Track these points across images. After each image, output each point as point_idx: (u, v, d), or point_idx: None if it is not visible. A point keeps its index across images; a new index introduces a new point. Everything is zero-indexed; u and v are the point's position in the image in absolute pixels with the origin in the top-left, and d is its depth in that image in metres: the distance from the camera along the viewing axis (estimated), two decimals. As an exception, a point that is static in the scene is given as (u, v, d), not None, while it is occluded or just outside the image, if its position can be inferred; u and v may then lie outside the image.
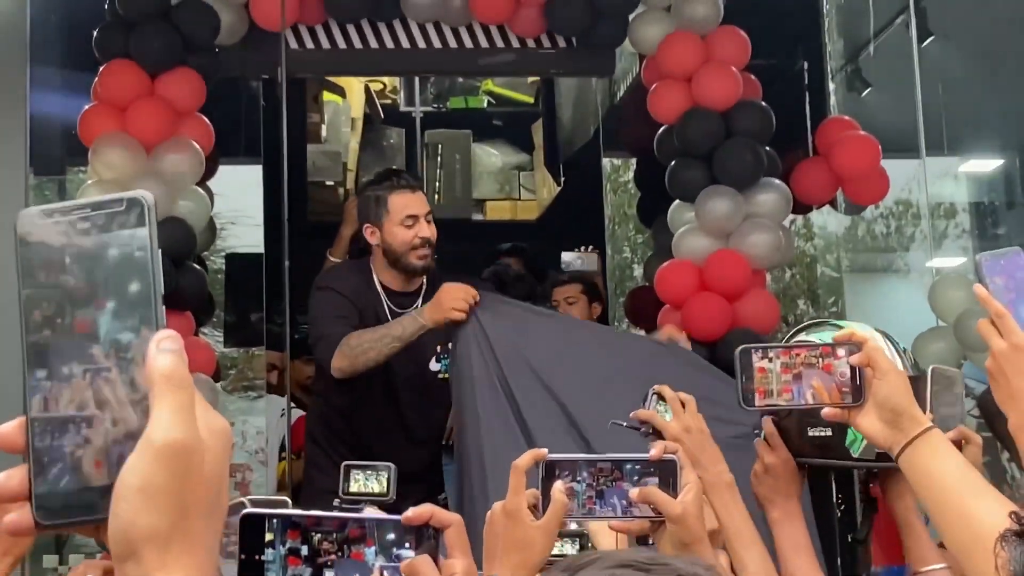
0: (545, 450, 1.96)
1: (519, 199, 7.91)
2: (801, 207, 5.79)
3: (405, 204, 4.38)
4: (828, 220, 8.24)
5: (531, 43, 5.61)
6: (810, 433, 2.35)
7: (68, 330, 0.91)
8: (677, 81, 5.44)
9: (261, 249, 6.94)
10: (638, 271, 8.34)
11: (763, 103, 5.48)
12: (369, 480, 2.87)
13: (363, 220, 4.48)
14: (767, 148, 5.44)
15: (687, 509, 1.92)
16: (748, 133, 5.39)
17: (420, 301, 4.41)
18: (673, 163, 5.48)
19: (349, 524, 1.23)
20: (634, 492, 1.90)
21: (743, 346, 2.07)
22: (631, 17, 5.56)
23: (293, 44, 5.47)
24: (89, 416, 0.89)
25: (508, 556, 1.85)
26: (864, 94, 7.33)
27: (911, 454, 1.85)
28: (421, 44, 5.55)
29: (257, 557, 1.24)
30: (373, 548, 1.23)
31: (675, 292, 5.38)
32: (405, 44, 5.55)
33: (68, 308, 0.92)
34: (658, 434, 2.40)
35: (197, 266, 5.39)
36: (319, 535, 1.23)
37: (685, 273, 5.38)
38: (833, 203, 6.22)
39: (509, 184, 7.93)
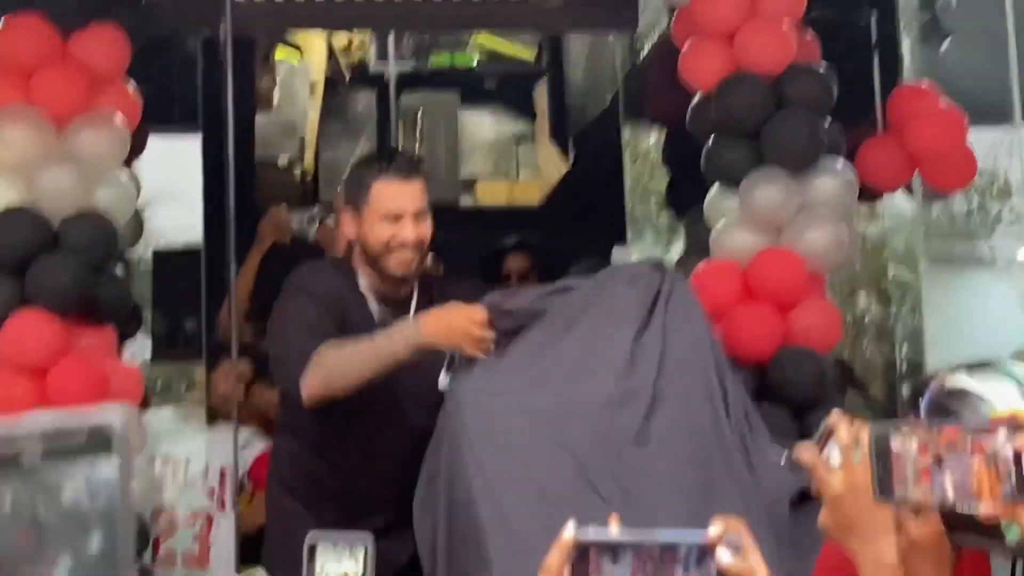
0: (572, 526, 1.89)
1: (518, 179, 7.90)
2: (869, 193, 5.76)
3: (390, 196, 4.27)
4: (896, 199, 8.22)
5: (537, -8, 5.59)
6: (957, 508, 2.22)
7: None
8: (716, 39, 5.42)
9: (198, 240, 6.92)
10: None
11: (822, 67, 5.47)
12: (341, 558, 2.83)
13: (345, 203, 4.40)
14: (827, 121, 5.41)
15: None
16: (803, 104, 5.35)
17: (411, 311, 4.32)
18: (711, 140, 5.46)
19: None
20: (727, 556, 1.85)
21: (879, 429, 2.05)
22: (658, -40, 5.54)
23: (237, -7, 5.43)
24: None
25: None
26: (943, 48, 7.31)
27: None
28: (398, -8, 5.52)
29: None
30: None
31: (714, 300, 5.26)
32: (378, -9, 5.52)
33: (8, 566, 0.87)
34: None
35: (119, 271, 5.34)
36: None
37: (726, 276, 5.35)
38: (908, 187, 6.23)
39: (505, 160, 7.93)
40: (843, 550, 2.38)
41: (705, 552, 1.88)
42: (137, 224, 5.73)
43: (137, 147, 5.44)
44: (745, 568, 1.85)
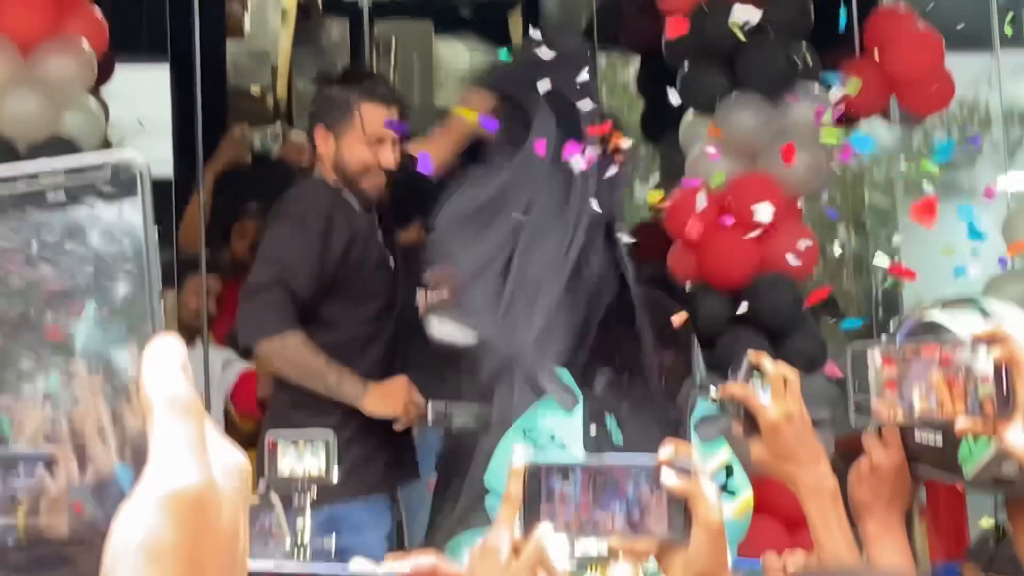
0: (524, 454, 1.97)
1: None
2: (846, 118, 5.69)
3: (376, 120, 4.38)
4: (875, 127, 8.19)
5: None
6: (917, 439, 2.32)
7: (32, 339, 0.84)
8: (691, -37, 5.38)
9: (169, 172, 6.84)
10: (641, 193, 8.25)
11: (798, -11, 5.42)
12: (303, 455, 2.79)
13: (316, 119, 4.49)
14: (804, 45, 5.40)
15: (723, 526, 1.91)
16: (780, 26, 5.32)
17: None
18: (686, 64, 5.45)
19: None
20: (671, 477, 1.89)
21: (857, 345, 2.07)
22: None
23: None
24: (49, 453, 0.84)
25: None
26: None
27: None
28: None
29: None
30: None
31: (689, 226, 5.30)
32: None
33: (33, 310, 0.84)
34: (748, 417, 2.40)
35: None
36: None
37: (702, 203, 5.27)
38: (885, 112, 6.20)
39: (480, 89, 7.84)
40: (780, 480, 2.43)
41: (655, 473, 1.95)
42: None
43: (104, 74, 5.42)
44: (692, 489, 1.89)
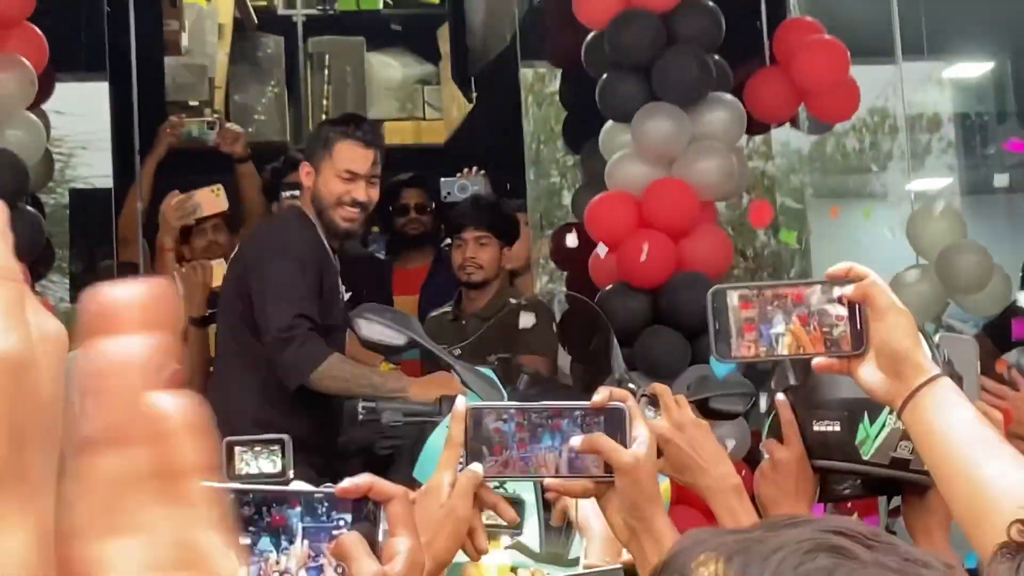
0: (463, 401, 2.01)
1: (424, 119, 7.91)
2: (757, 126, 5.84)
3: (351, 157, 4.63)
4: (791, 136, 8.29)
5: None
6: (815, 428, 2.33)
7: None
8: (608, -22, 5.41)
9: (110, 183, 6.86)
10: (568, 198, 8.32)
11: (710, 2, 5.47)
12: (260, 459, 2.84)
13: (305, 156, 4.77)
14: (716, 57, 5.45)
15: (640, 461, 1.93)
16: (693, 39, 5.38)
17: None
18: (605, 76, 5.47)
19: (273, 508, 1.23)
20: (577, 440, 1.91)
21: (716, 287, 2.04)
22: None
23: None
24: None
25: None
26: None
27: (914, 407, 1.83)
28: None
29: None
30: (299, 535, 1.23)
31: (609, 230, 5.40)
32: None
33: None
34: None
35: (31, 208, 5.29)
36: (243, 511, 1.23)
37: (621, 207, 5.38)
38: (794, 121, 6.29)
39: (411, 101, 7.92)
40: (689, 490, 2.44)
41: (588, 414, 1.96)
42: (48, 164, 5.69)
43: (45, 90, 5.38)
44: (598, 441, 1.93)
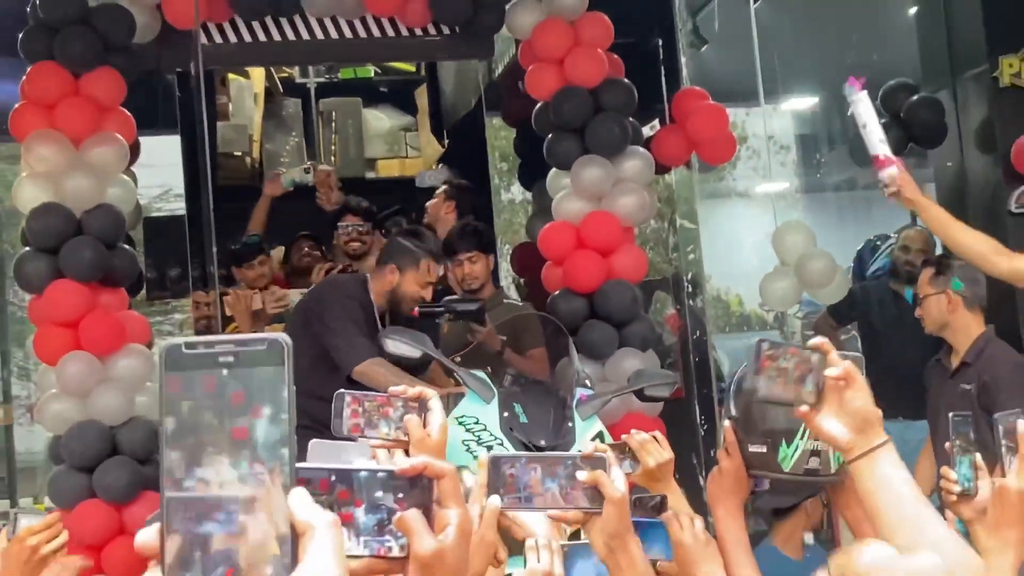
0: (488, 453, 1.99)
1: (407, 157, 7.91)
2: (660, 168, 5.87)
3: (431, 271, 4.80)
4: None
5: (419, 32, 5.59)
6: (750, 449, 2.40)
7: (222, 438, 0.89)
8: (550, 63, 5.47)
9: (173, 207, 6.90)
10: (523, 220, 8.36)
11: (626, 80, 5.53)
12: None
13: (389, 259, 4.82)
14: (631, 120, 5.51)
15: (625, 495, 1.91)
16: (615, 107, 5.44)
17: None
18: (550, 136, 5.52)
19: (337, 486, 1.11)
20: (583, 474, 1.87)
21: (760, 341, 1.86)
22: (508, 6, 5.57)
23: (202, 40, 5.36)
24: (234, 522, 0.87)
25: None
26: (703, 49, 7.48)
27: (872, 460, 1.81)
28: (320, 36, 5.50)
29: None
30: (362, 508, 1.12)
31: (556, 250, 5.47)
32: (305, 36, 5.50)
33: (222, 418, 0.89)
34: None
35: (127, 247, 5.32)
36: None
37: (564, 233, 5.44)
38: (688, 164, 6.36)
39: (397, 144, 7.92)
40: None
41: (577, 461, 1.91)
42: (137, 211, 5.71)
43: (134, 155, 5.38)
44: (599, 477, 1.86)
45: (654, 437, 2.66)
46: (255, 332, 5.57)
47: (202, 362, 0.90)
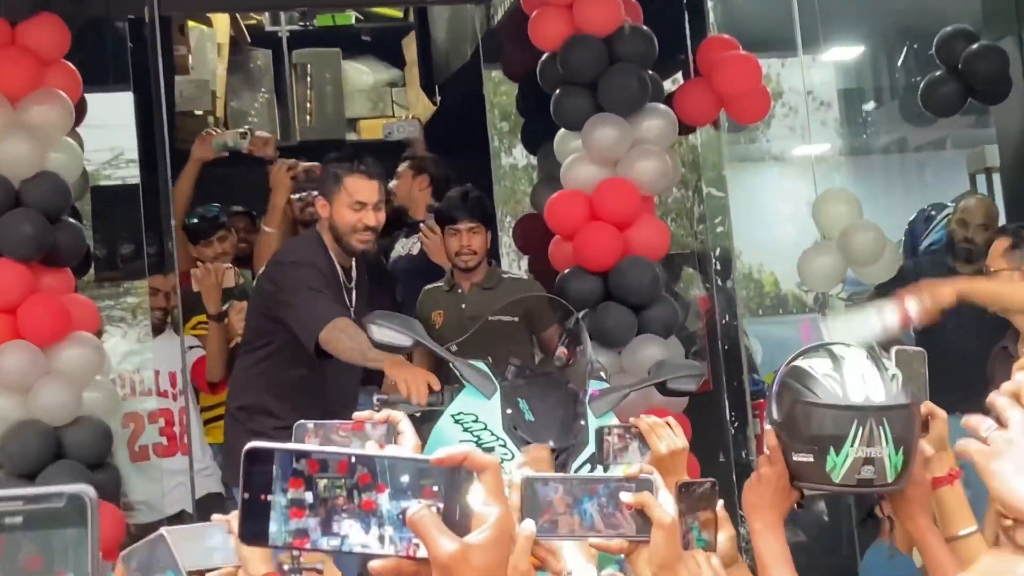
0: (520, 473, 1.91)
1: (393, 116, 7.84)
2: (684, 128, 5.80)
3: (357, 189, 4.62)
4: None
5: (406, -29, 5.53)
6: (794, 458, 2.38)
7: None
8: (558, 7, 5.39)
9: (125, 174, 6.85)
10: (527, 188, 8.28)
11: (644, 27, 5.46)
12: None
13: (320, 192, 4.74)
14: (650, 72, 5.43)
15: (675, 520, 1.88)
16: (631, 59, 5.37)
17: (354, 282, 4.77)
18: (557, 91, 5.45)
19: (358, 468, 1.13)
20: (629, 496, 1.85)
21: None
22: (508, -58, 5.51)
23: (159, -19, 5.32)
24: None
25: None
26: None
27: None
28: (292, -25, 5.45)
29: (263, 497, 1.12)
30: (386, 494, 1.13)
31: (565, 222, 5.40)
32: (275, -24, 5.44)
33: None
34: None
35: (73, 220, 5.26)
36: (325, 481, 1.12)
37: (574, 203, 5.37)
38: (715, 123, 6.29)
39: (382, 102, 7.88)
40: None
41: (622, 483, 1.89)
42: (84, 180, 5.65)
43: (79, 114, 5.30)
44: (646, 500, 1.84)
45: (667, 423, 2.62)
46: (224, 312, 5.56)
47: None
